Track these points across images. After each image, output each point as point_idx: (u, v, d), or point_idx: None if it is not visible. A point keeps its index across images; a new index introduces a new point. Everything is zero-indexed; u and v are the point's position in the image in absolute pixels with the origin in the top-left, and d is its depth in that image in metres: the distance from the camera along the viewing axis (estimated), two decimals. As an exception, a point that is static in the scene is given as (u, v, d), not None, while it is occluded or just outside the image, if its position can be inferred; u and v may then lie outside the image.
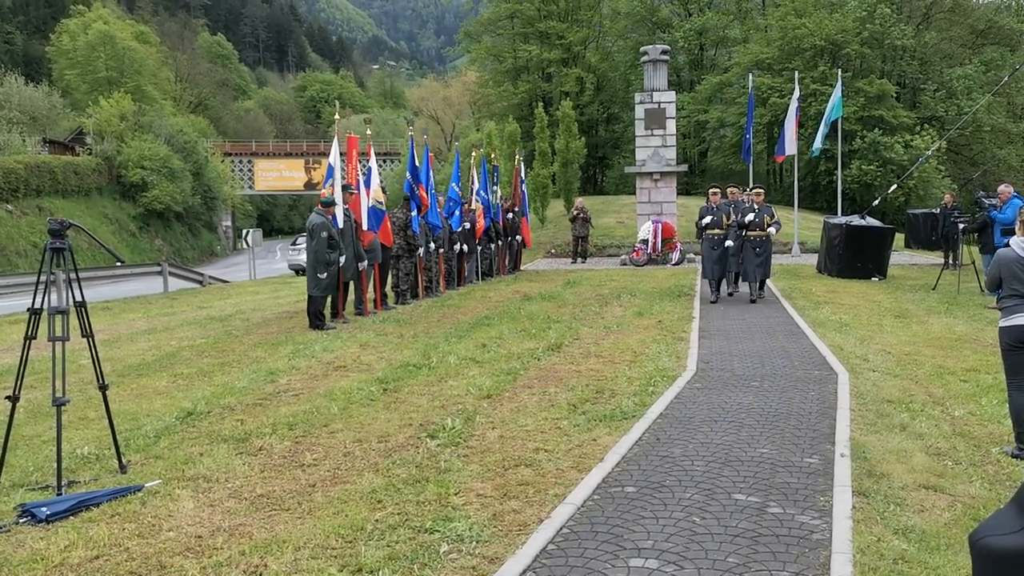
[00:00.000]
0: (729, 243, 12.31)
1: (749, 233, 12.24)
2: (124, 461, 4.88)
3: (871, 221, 15.76)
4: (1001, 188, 12.54)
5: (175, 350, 9.22)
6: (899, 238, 19.96)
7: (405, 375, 7.32)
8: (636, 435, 5.30)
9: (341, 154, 11.12)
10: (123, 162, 41.46)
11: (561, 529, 3.83)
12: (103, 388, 4.91)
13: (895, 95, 36.66)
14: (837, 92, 19.67)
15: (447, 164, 34.99)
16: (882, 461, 4.82)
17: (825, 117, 20.22)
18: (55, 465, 4.52)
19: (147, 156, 41.52)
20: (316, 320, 10.25)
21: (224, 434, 5.54)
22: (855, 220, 15.66)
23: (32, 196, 34.15)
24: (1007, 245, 5.23)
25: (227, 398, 6.60)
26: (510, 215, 17.90)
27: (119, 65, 58.63)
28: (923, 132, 34.12)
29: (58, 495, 4.39)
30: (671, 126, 21.54)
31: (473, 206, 15.37)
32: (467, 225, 15.10)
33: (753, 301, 12.15)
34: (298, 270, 25.43)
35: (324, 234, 10.05)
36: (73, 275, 4.62)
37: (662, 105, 21.39)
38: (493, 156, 19.14)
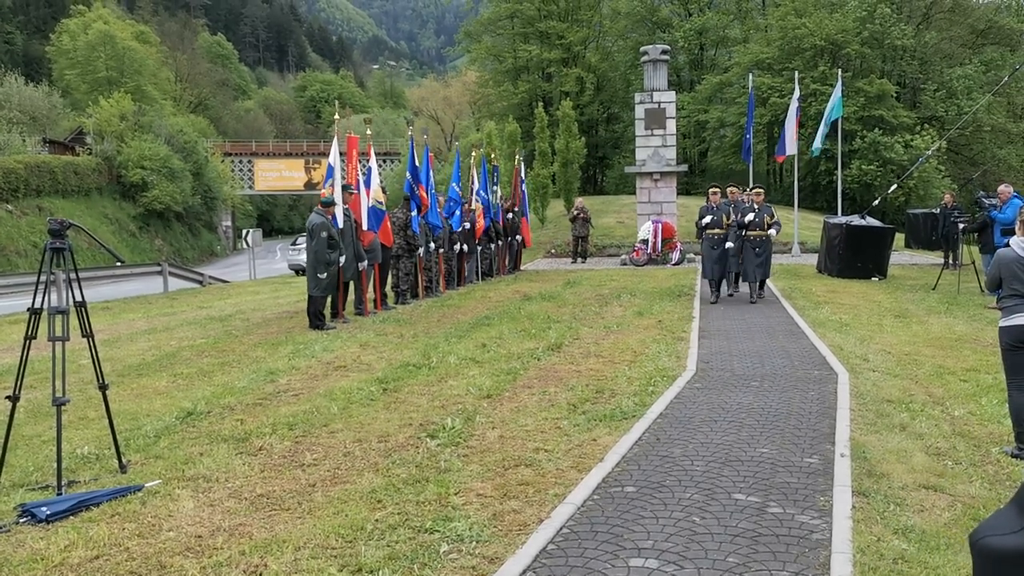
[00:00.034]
0: (729, 245, 12.30)
1: (749, 233, 12.23)
2: (124, 461, 4.88)
3: (871, 221, 15.76)
4: (1001, 188, 12.54)
5: (175, 350, 9.22)
6: (899, 238, 19.96)
7: (405, 375, 7.33)
8: (636, 435, 5.30)
9: (341, 154, 11.12)
10: (123, 162, 41.46)
11: (561, 529, 3.83)
12: (103, 388, 4.91)
13: (895, 95, 36.67)
14: (837, 92, 19.67)
15: (447, 164, 35.00)
16: (882, 461, 4.82)
17: (825, 117, 20.22)
18: (55, 465, 4.53)
19: (147, 156, 41.52)
20: (316, 320, 10.26)
21: (224, 434, 5.54)
22: (855, 220, 15.66)
23: (32, 196, 34.16)
24: (1007, 245, 5.23)
25: (227, 398, 6.60)
26: (510, 215, 17.90)
27: (119, 65, 58.64)
28: (923, 132, 34.13)
29: (58, 495, 4.39)
30: (671, 126, 21.54)
31: (473, 206, 15.38)
32: (467, 225, 15.10)
33: (753, 302, 12.15)
34: (298, 270, 25.43)
35: (324, 234, 10.05)
36: (73, 275, 4.62)
37: (662, 105, 21.39)
38: (493, 156, 19.14)
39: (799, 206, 23.10)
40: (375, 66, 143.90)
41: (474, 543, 3.70)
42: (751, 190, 13.27)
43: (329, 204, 10.38)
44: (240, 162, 62.45)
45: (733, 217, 12.38)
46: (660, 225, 19.93)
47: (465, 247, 15.17)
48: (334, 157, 10.86)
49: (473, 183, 15.57)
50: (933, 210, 20.88)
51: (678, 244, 20.02)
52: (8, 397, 4.61)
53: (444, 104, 71.61)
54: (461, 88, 69.02)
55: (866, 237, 15.13)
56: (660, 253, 19.66)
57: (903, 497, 4.27)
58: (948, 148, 35.80)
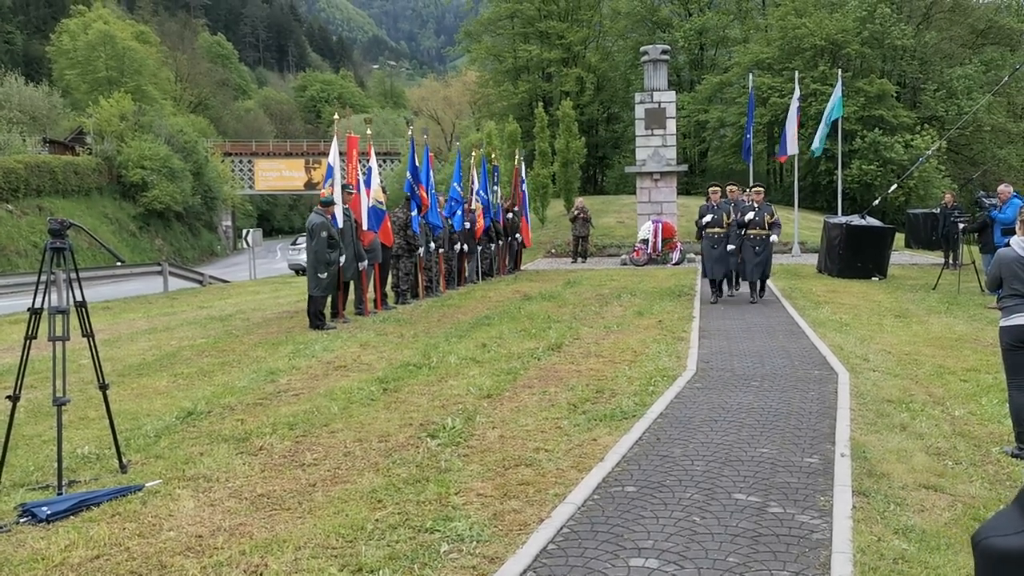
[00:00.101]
0: (731, 247, 12.26)
1: (749, 232, 12.20)
2: (124, 461, 4.88)
3: (871, 221, 15.76)
4: (1001, 188, 12.55)
5: (175, 350, 9.22)
6: (899, 238, 19.96)
7: (405, 375, 7.33)
8: (636, 435, 5.30)
9: (341, 154, 11.12)
10: (123, 162, 41.46)
11: (561, 529, 3.83)
12: (103, 388, 4.91)
13: (895, 95, 36.67)
14: (837, 92, 19.67)
15: (447, 164, 35.00)
16: (882, 461, 4.82)
17: (825, 117, 20.21)
18: (55, 465, 4.53)
19: (147, 156, 41.51)
20: (316, 320, 10.26)
21: (224, 434, 5.54)
22: (855, 220, 15.66)
23: (32, 196, 34.16)
24: (1007, 245, 5.23)
25: (227, 398, 6.60)
26: (510, 215, 17.91)
27: (119, 65, 58.62)
28: (923, 132, 34.13)
29: (58, 495, 4.39)
30: (671, 126, 21.53)
31: (473, 206, 15.38)
32: (467, 225, 15.11)
33: (753, 302, 12.14)
34: (298, 270, 25.43)
35: (324, 234, 10.05)
36: (73, 275, 4.62)
37: (662, 105, 21.38)
38: (493, 156, 19.14)
39: (799, 206, 23.10)
40: (375, 66, 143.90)
41: (474, 543, 3.70)
42: (751, 189, 13.26)
43: (329, 204, 10.38)
44: (240, 162, 62.45)
45: (733, 216, 12.35)
46: (660, 225, 19.93)
47: (465, 247, 15.18)
48: (334, 157, 10.86)
49: (473, 183, 15.58)
50: (933, 210, 20.89)
51: (678, 244, 20.02)
52: (8, 397, 4.62)
53: (444, 104, 71.61)
54: (461, 88, 69.02)
55: (866, 237, 15.13)
56: (660, 253, 19.66)
57: (903, 497, 4.27)
58: (948, 148, 35.81)
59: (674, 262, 19.42)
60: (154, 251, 39.89)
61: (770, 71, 37.03)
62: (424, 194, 12.93)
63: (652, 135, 21.47)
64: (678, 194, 22.70)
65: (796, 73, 23.95)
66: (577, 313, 11.23)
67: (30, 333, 4.53)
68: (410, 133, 14.11)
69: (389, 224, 12.06)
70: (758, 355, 8.13)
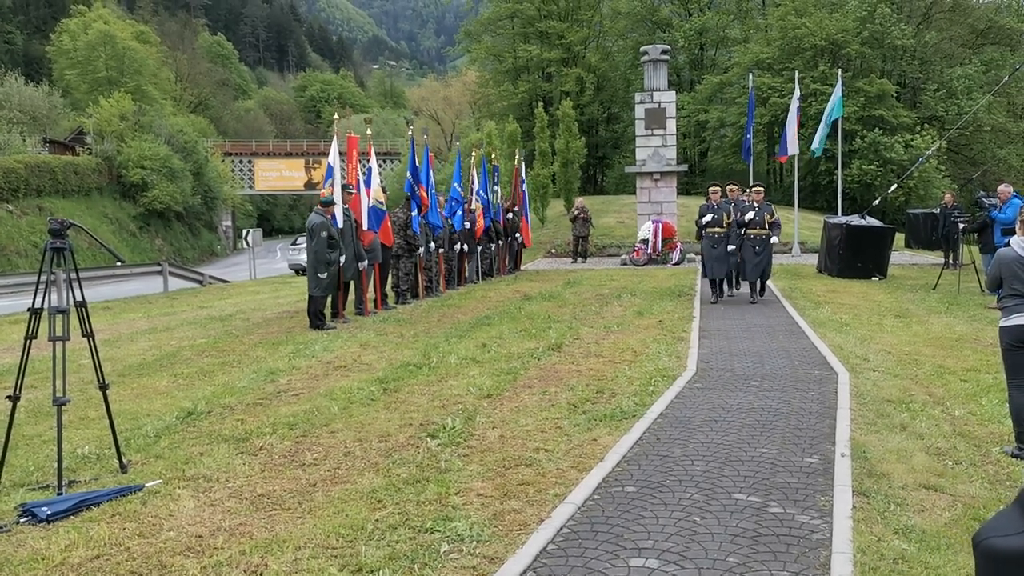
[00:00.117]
0: (731, 247, 12.23)
1: (749, 232, 12.18)
2: (124, 461, 4.89)
3: (871, 221, 15.76)
4: (1001, 188, 12.55)
5: (175, 350, 9.22)
6: (899, 238, 19.96)
7: (405, 375, 7.33)
8: (636, 435, 5.30)
9: (341, 154, 11.12)
10: (123, 162, 41.46)
11: (561, 529, 3.83)
12: (103, 388, 4.91)
13: (895, 95, 36.66)
14: (837, 92, 19.67)
15: (447, 164, 34.99)
16: (882, 461, 4.82)
17: (825, 117, 20.21)
18: (56, 465, 4.53)
19: (147, 156, 41.52)
20: (316, 320, 10.26)
21: (224, 434, 5.54)
22: (855, 220, 15.66)
23: (32, 196, 34.16)
24: (1007, 245, 5.23)
25: (227, 398, 6.60)
26: (510, 215, 17.91)
27: (119, 65, 58.62)
28: (923, 132, 34.13)
29: (59, 495, 4.39)
30: (671, 126, 21.53)
31: (473, 206, 15.38)
32: (467, 225, 15.11)
33: (753, 302, 12.14)
34: (298, 270, 25.44)
35: (324, 234, 10.05)
36: (73, 275, 4.62)
37: (662, 105, 21.38)
38: (493, 156, 19.14)
39: (799, 206, 23.10)
40: (375, 66, 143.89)
41: (474, 543, 3.70)
42: (751, 189, 13.23)
43: (328, 204, 10.38)
44: (240, 162, 62.46)
45: (733, 216, 12.32)
46: (660, 225, 19.93)
47: (465, 247, 15.18)
48: (333, 157, 10.86)
49: (473, 183, 15.58)
50: (933, 210, 20.88)
51: (678, 244, 20.02)
52: (9, 397, 4.62)
53: (444, 104, 71.62)
54: (461, 88, 69.03)
55: (866, 237, 15.13)
56: (660, 253, 19.66)
57: (903, 497, 4.27)
58: (948, 148, 35.81)
59: (674, 262, 19.42)
60: (154, 251, 39.90)
61: (770, 71, 37.03)
62: (424, 194, 12.93)
63: (652, 135, 21.47)
64: (678, 194, 22.70)
65: (796, 73, 23.95)
66: (577, 313, 11.23)
67: (30, 333, 4.54)
68: (410, 133, 14.11)
69: (389, 224, 12.06)
70: (758, 355, 8.13)
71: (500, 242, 17.53)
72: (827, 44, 36.36)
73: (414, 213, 12.65)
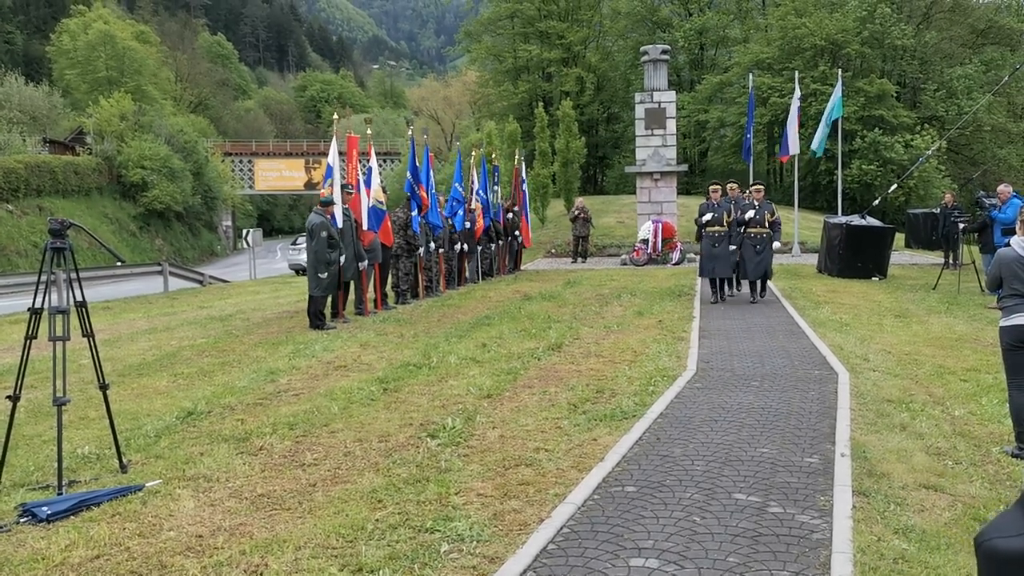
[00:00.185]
0: (732, 248, 12.19)
1: (749, 230, 12.15)
2: (125, 461, 4.89)
3: (871, 221, 15.75)
4: (1000, 188, 12.55)
5: (175, 350, 9.22)
6: (899, 238, 19.96)
7: (405, 375, 7.33)
8: (636, 435, 5.30)
9: (340, 154, 11.12)
10: (123, 162, 41.46)
11: (561, 529, 3.83)
12: (104, 388, 4.91)
13: (895, 95, 36.67)
14: (837, 92, 19.67)
15: (448, 164, 34.99)
16: (882, 461, 4.82)
17: (825, 117, 20.21)
18: (56, 465, 4.53)
19: (147, 156, 41.52)
20: (316, 320, 10.26)
21: (224, 434, 5.54)
22: (855, 220, 15.65)
23: (32, 196, 34.16)
24: (1007, 245, 5.23)
25: (227, 398, 6.60)
26: (510, 215, 17.92)
27: (119, 65, 58.62)
28: (923, 132, 34.13)
29: (59, 495, 4.39)
30: (671, 126, 21.53)
31: (473, 206, 15.38)
32: (467, 225, 15.11)
33: (753, 302, 12.12)
34: (298, 270, 25.44)
35: (324, 234, 10.05)
36: (73, 275, 4.62)
37: (662, 105, 21.38)
38: (493, 156, 19.14)
39: (799, 206, 23.10)
40: (375, 66, 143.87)
41: (475, 543, 3.70)
42: (751, 187, 13.18)
43: (328, 204, 10.38)
44: (240, 162, 62.46)
45: (734, 215, 12.26)
46: (660, 225, 19.93)
47: (465, 247, 15.18)
48: (333, 157, 10.86)
49: (473, 183, 15.58)
50: (933, 210, 20.88)
51: (678, 244, 20.02)
52: (9, 397, 4.62)
53: (444, 104, 71.61)
54: (461, 88, 69.02)
55: (866, 237, 15.13)
56: (660, 253, 19.66)
57: (903, 497, 4.27)
58: (948, 148, 35.81)
59: (674, 262, 19.42)
60: (154, 251, 39.90)
61: (770, 71, 37.04)
62: (424, 194, 12.93)
63: (652, 135, 21.47)
64: (678, 194, 22.71)
65: (796, 73, 23.95)
66: (577, 313, 11.23)
67: (30, 333, 4.54)
68: (410, 133, 14.11)
69: (389, 224, 12.06)
70: (758, 355, 8.13)
71: (500, 242, 17.54)
72: (827, 44, 36.36)
73: (414, 213, 12.65)
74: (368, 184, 11.35)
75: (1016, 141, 37.98)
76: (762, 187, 12.87)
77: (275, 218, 79.77)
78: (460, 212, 14.64)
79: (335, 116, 13.15)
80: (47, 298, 4.52)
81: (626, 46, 45.82)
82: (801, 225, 22.49)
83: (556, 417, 5.85)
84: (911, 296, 12.66)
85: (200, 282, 21.40)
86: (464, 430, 5.51)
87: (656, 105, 21.37)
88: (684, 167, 24.83)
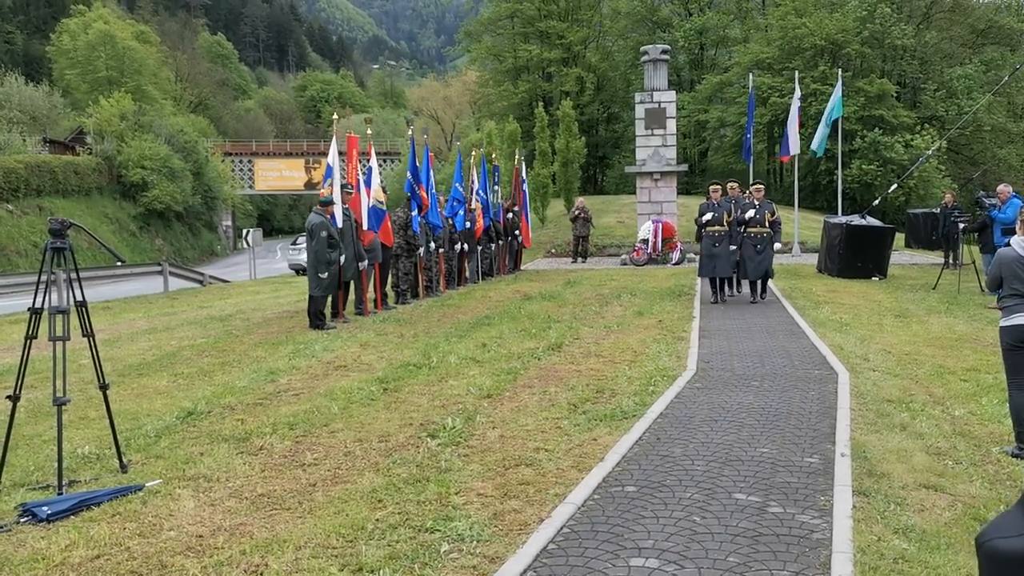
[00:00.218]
0: (733, 248, 12.16)
1: (749, 230, 12.13)
2: (125, 461, 4.89)
3: (871, 221, 15.75)
4: (1000, 188, 12.56)
5: (175, 350, 9.22)
6: (899, 238, 19.96)
7: (405, 375, 7.33)
8: (636, 435, 5.30)
9: (340, 154, 11.12)
10: (123, 162, 41.46)
11: (562, 528, 3.83)
12: (104, 388, 4.91)
13: (895, 95, 36.67)
14: (837, 92, 19.67)
15: (448, 164, 34.99)
16: (882, 461, 4.82)
17: (825, 117, 20.21)
18: (56, 464, 4.53)
19: (147, 156, 41.52)
20: (316, 320, 10.26)
21: (225, 434, 5.54)
22: (855, 220, 15.65)
23: (32, 196, 34.16)
24: (1007, 245, 5.23)
25: (227, 398, 6.60)
26: (510, 215, 17.92)
27: (119, 65, 58.60)
28: (923, 132, 34.14)
29: (59, 494, 4.39)
30: (671, 126, 21.54)
31: (473, 206, 15.38)
32: (467, 224, 15.11)
33: (754, 302, 12.11)
34: (298, 270, 25.43)
35: (324, 233, 10.06)
36: (74, 275, 4.62)
37: (662, 105, 21.39)
38: (493, 156, 19.14)
39: (799, 206, 23.10)
40: (375, 66, 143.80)
41: (475, 543, 3.70)
42: (751, 186, 13.16)
43: (327, 203, 10.38)
44: (240, 162, 62.46)
45: (734, 214, 12.22)
46: (660, 225, 19.93)
47: (465, 247, 15.18)
48: (333, 157, 10.86)
49: (473, 183, 15.58)
50: (933, 210, 20.89)
51: (678, 244, 20.02)
52: (9, 397, 4.62)
53: (444, 104, 71.61)
54: (461, 88, 69.02)
55: (866, 237, 15.13)
56: (660, 253, 19.66)
57: (903, 497, 4.27)
58: (948, 148, 35.82)
59: (674, 262, 19.42)
60: (154, 251, 39.90)
61: (770, 71, 37.04)
62: (424, 194, 12.93)
63: (652, 135, 21.47)
64: (678, 194, 22.71)
65: (796, 73, 23.95)
66: (577, 313, 11.23)
67: (30, 333, 4.54)
68: (410, 133, 14.11)
69: (389, 224, 12.06)
70: (758, 355, 8.13)
71: (500, 242, 17.54)
72: (827, 44, 36.37)
73: (414, 213, 12.65)
74: (368, 184, 11.35)
75: (1016, 141, 37.98)
76: (762, 186, 12.84)
77: (275, 218, 79.77)
78: (461, 212, 14.64)
79: (335, 116, 13.16)
80: (47, 298, 4.52)
81: (626, 46, 45.83)
82: (801, 225, 22.50)
83: (556, 417, 5.85)
84: (911, 296, 12.66)
85: (200, 282, 21.40)
86: (464, 430, 5.51)
87: (656, 105, 21.37)
88: (684, 167, 24.84)
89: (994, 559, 1.65)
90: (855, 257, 15.09)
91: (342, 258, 10.46)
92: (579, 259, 20.89)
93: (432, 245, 13.51)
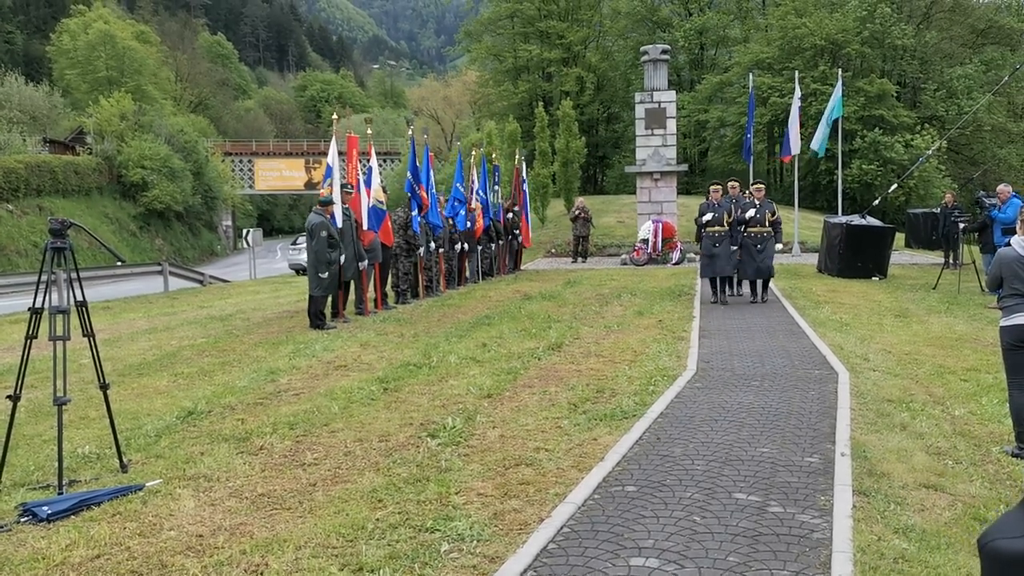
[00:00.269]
0: (733, 248, 12.14)
1: (750, 230, 12.12)
2: (125, 460, 4.89)
3: (871, 221, 15.75)
4: (1000, 188, 12.57)
5: (176, 349, 9.22)
6: (899, 238, 19.96)
7: (405, 374, 7.33)
8: (637, 434, 5.30)
9: (340, 154, 11.12)
10: (123, 162, 41.46)
11: (562, 528, 3.83)
12: (104, 387, 4.91)
13: (895, 95, 36.68)
14: (837, 92, 19.67)
15: (448, 164, 34.98)
16: (882, 460, 4.82)
17: (825, 117, 20.21)
18: (56, 464, 4.53)
19: (147, 156, 41.52)
20: (317, 320, 10.26)
21: (225, 433, 5.54)
22: (855, 220, 15.65)
23: (32, 196, 34.16)
24: (1008, 244, 5.23)
25: (228, 397, 6.60)
26: (510, 215, 17.92)
27: (119, 65, 58.59)
28: (923, 132, 34.14)
29: (59, 494, 4.39)
30: (671, 126, 21.54)
31: (473, 206, 15.38)
32: (468, 224, 15.11)
33: (754, 302, 12.11)
34: (298, 270, 25.43)
35: (324, 233, 10.06)
36: (74, 274, 4.62)
37: (662, 105, 21.39)
38: (494, 156, 19.14)
39: (799, 206, 23.10)
40: (375, 66, 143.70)
41: (475, 542, 3.70)
42: (752, 186, 13.14)
43: (327, 203, 10.38)
44: (240, 162, 62.45)
45: (734, 214, 12.19)
46: (660, 225, 19.93)
47: (465, 246, 15.18)
48: (332, 157, 10.86)
49: (473, 183, 15.58)
50: (933, 210, 20.89)
51: (678, 244, 20.03)
52: (9, 396, 4.62)
53: (444, 104, 71.58)
54: (461, 88, 69.00)
55: (866, 237, 15.13)
56: (660, 253, 19.67)
57: (904, 496, 4.27)
58: (948, 148, 35.82)
59: (674, 262, 19.42)
60: (154, 251, 39.90)
61: (770, 71, 37.04)
62: (424, 194, 12.94)
63: (652, 135, 21.47)
64: (678, 194, 22.72)
65: (796, 73, 23.95)
66: (577, 313, 11.23)
67: (31, 333, 4.54)
68: (410, 133, 14.11)
69: (389, 224, 12.06)
70: (758, 355, 8.13)
71: (500, 242, 17.54)
72: (827, 44, 36.37)
73: (414, 213, 12.65)
74: (368, 184, 11.35)
75: (1016, 141, 37.99)
76: (763, 186, 12.83)
77: (275, 218, 79.76)
78: (462, 212, 14.64)
79: (335, 116, 13.14)
80: (47, 298, 4.52)
81: (626, 46, 45.83)
82: (801, 225, 22.50)
83: (556, 417, 5.85)
84: (911, 296, 12.66)
85: (200, 282, 21.40)
86: (464, 430, 5.52)
87: (656, 105, 21.37)
88: (684, 167, 24.84)
89: (997, 560, 1.66)
90: (855, 257, 15.09)
91: (342, 258, 10.46)
92: (579, 259, 20.89)
93: (432, 245, 13.51)
